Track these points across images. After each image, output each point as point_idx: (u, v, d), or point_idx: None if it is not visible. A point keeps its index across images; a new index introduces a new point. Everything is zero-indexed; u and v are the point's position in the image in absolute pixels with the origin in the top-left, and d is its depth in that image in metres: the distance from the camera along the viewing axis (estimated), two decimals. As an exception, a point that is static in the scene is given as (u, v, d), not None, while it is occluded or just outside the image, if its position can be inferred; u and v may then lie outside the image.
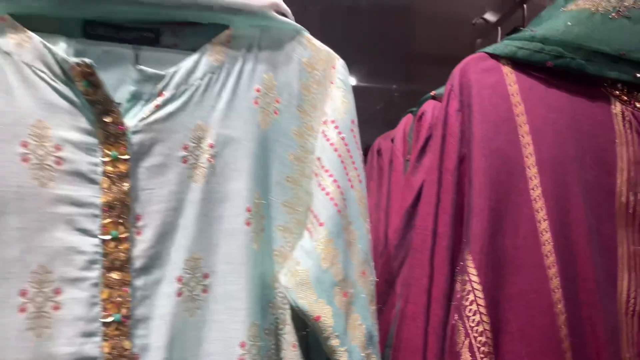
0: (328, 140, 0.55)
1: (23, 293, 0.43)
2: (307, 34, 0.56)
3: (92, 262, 0.45)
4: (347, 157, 0.55)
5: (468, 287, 0.55)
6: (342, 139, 0.55)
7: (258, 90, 0.53)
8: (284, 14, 0.54)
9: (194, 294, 0.49)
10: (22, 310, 0.43)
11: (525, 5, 1.00)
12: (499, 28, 1.09)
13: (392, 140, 1.02)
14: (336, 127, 0.55)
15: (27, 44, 0.45)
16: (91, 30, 0.49)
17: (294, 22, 0.55)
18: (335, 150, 0.54)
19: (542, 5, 0.75)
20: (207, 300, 0.49)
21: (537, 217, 0.58)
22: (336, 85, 0.57)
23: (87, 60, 0.44)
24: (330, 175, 0.53)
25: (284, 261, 0.53)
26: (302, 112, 0.55)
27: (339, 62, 0.58)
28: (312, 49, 0.56)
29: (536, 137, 0.60)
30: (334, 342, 0.49)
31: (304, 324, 0.52)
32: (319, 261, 0.50)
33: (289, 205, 0.54)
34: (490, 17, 1.12)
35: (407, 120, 1.00)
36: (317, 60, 0.56)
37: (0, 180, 0.43)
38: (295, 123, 0.55)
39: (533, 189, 0.58)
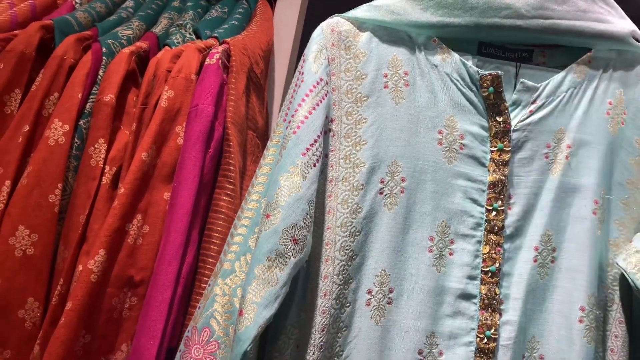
0: None
1: (431, 239, 0.60)
2: None
3: (478, 224, 0.60)
4: None
5: None
6: None
7: (610, 104, 0.63)
8: (638, 39, 0.64)
9: (545, 261, 0.60)
10: (430, 250, 0.60)
11: None
12: None
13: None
14: None
15: (448, 60, 0.62)
16: (484, 49, 0.65)
17: None
18: None
19: None
20: (554, 268, 0.60)
21: None
22: None
23: (499, 72, 0.60)
24: None
25: (617, 250, 0.62)
26: None
27: None
28: None
29: None
30: None
31: (630, 303, 0.61)
32: None
33: (626, 203, 0.63)
34: None
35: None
36: None
37: (423, 156, 0.61)
38: (637, 133, 0.64)
39: None
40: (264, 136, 0.82)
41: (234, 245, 0.59)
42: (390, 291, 0.58)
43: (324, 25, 0.63)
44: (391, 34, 0.63)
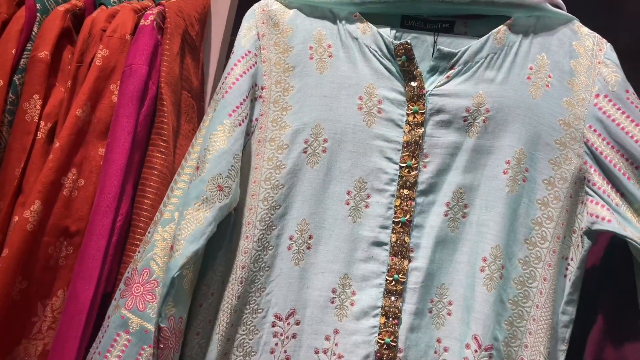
0: (602, 110, 0.67)
1: (348, 193, 0.66)
2: (577, 22, 0.70)
3: (392, 180, 0.66)
4: (626, 122, 0.66)
5: None
6: (618, 109, 0.66)
7: (531, 68, 0.67)
8: (557, 6, 0.68)
9: (456, 216, 0.66)
10: (347, 203, 0.66)
11: None
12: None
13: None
14: (610, 100, 0.67)
15: (368, 32, 0.67)
16: (406, 22, 0.70)
17: (565, 12, 0.69)
18: (609, 117, 0.66)
19: None
20: (464, 223, 0.66)
21: None
22: (604, 64, 0.68)
23: (408, 41, 0.65)
24: (603, 139, 0.66)
25: (545, 209, 0.66)
26: (572, 85, 0.67)
27: (607, 45, 0.69)
28: (582, 34, 0.70)
29: None
30: None
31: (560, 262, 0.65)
32: None
33: (555, 162, 0.67)
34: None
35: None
36: (586, 43, 0.69)
37: (344, 119, 0.66)
38: (566, 94, 0.67)
39: None
40: (198, 97, 0.85)
41: (174, 198, 0.65)
42: (310, 237, 0.65)
43: (255, 6, 0.70)
44: (315, 11, 0.69)
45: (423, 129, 0.67)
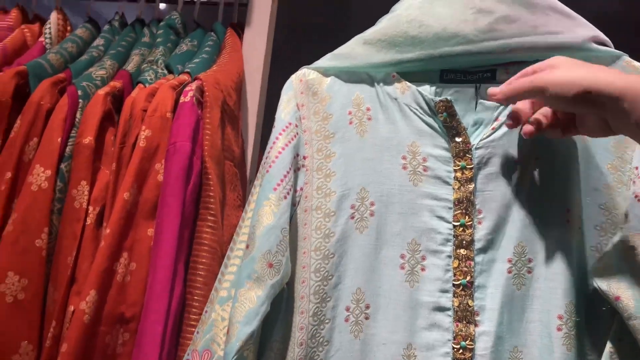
0: None
1: (402, 256, 0.64)
2: (626, 57, 0.66)
3: (447, 240, 0.64)
4: None
5: None
6: None
7: None
8: (603, 43, 0.66)
9: (520, 272, 0.63)
10: (402, 267, 0.64)
11: None
12: None
13: None
14: None
15: (407, 91, 0.67)
16: (445, 76, 0.69)
17: (613, 49, 0.66)
18: None
19: None
20: (531, 279, 0.62)
21: None
22: None
23: (448, 97, 0.64)
24: None
25: (599, 256, 0.62)
26: None
27: None
28: (633, 68, 0.66)
29: None
30: (634, 322, 0.57)
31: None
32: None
33: (605, 208, 0.64)
34: None
35: None
36: None
37: (390, 180, 0.65)
38: (613, 138, 0.64)
39: None
40: (240, 164, 0.85)
41: (228, 275, 0.65)
42: (367, 307, 0.62)
43: (293, 77, 0.70)
44: (353, 76, 0.69)
45: (473, 185, 0.65)
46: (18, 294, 0.67)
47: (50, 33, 0.95)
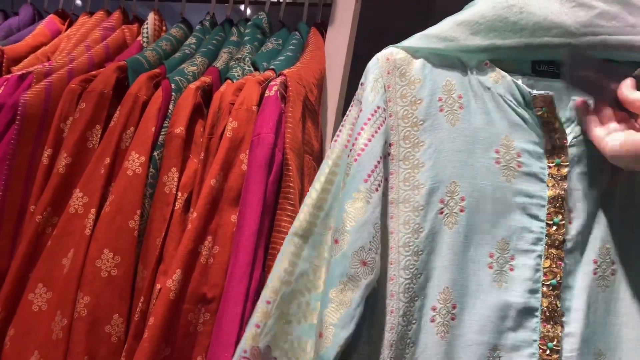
0: None
1: (491, 255, 0.61)
2: None
3: (538, 239, 0.61)
4: None
5: None
6: None
7: None
8: None
9: (605, 274, 0.60)
10: (490, 267, 0.61)
11: None
12: None
13: None
14: None
15: (501, 81, 0.64)
16: (537, 67, 0.66)
17: None
18: None
19: None
20: (614, 281, 0.60)
21: None
22: None
23: (550, 92, 0.61)
24: None
25: None
26: None
27: None
28: None
29: None
30: None
31: None
32: None
33: None
34: None
35: None
36: None
37: (481, 175, 0.62)
38: None
39: None
40: (319, 159, 0.86)
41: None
42: (454, 307, 0.60)
43: (379, 55, 0.66)
44: (444, 59, 0.65)
45: (567, 183, 0.61)
46: (112, 270, 0.71)
47: (147, 32, 1.01)
